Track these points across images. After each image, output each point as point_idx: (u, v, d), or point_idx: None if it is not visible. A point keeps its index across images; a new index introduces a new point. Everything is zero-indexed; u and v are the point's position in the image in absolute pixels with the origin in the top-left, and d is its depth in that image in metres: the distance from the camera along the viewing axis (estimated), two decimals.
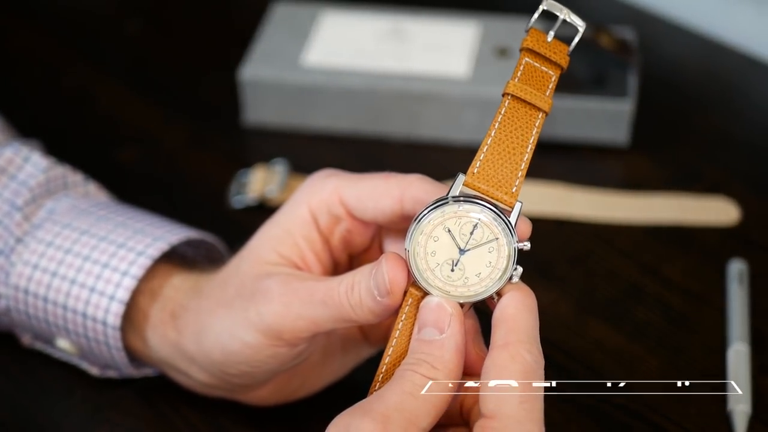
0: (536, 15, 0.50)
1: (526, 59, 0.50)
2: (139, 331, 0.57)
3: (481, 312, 0.51)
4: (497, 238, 0.48)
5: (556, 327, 0.64)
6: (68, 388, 0.60)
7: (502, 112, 0.49)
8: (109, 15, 0.95)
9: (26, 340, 0.62)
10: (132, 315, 0.57)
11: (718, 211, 0.73)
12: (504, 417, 0.44)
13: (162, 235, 0.58)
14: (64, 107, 0.84)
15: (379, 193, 0.52)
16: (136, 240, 0.57)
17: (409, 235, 0.48)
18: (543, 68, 0.50)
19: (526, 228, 0.48)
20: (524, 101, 0.49)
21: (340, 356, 0.58)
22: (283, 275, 0.52)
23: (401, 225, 0.53)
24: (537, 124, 0.49)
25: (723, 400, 0.59)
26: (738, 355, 0.61)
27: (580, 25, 0.50)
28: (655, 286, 0.67)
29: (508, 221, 0.48)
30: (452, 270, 0.48)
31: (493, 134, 0.49)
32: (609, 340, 0.63)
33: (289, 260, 0.53)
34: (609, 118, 0.76)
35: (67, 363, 0.61)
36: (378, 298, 0.48)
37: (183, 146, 0.80)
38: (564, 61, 0.50)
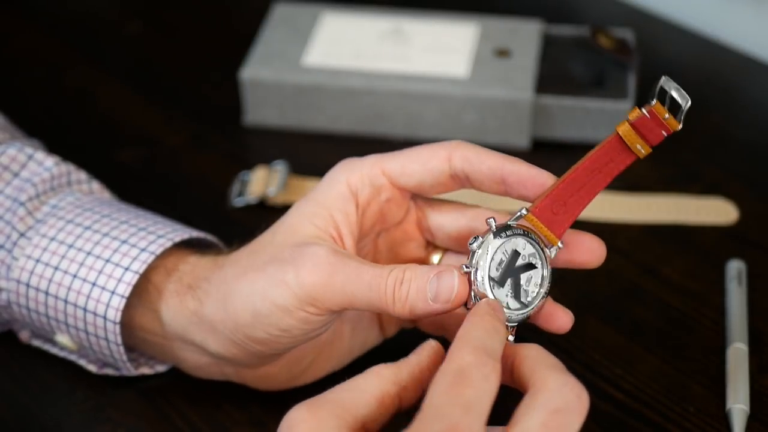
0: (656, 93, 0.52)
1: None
2: (151, 305, 0.57)
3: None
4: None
5: None
6: (69, 387, 0.61)
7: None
8: (111, 15, 0.95)
9: (24, 336, 0.62)
10: (144, 290, 0.57)
11: (716, 211, 0.73)
12: (426, 405, 0.44)
13: (165, 233, 0.58)
14: (65, 107, 0.84)
15: (425, 156, 0.53)
16: (139, 237, 0.58)
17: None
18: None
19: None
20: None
21: (349, 337, 0.58)
22: (330, 247, 0.52)
23: (448, 187, 0.54)
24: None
25: (722, 399, 0.60)
26: (737, 355, 0.61)
27: (684, 99, 0.52)
28: (654, 286, 0.67)
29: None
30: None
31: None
32: (608, 340, 0.64)
33: (326, 231, 0.53)
34: (608, 119, 0.77)
35: (67, 362, 0.61)
36: (430, 302, 0.50)
37: (184, 147, 0.80)
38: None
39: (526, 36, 0.82)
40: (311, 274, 0.51)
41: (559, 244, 0.51)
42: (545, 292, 0.51)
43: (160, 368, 0.61)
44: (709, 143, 0.80)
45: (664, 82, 0.51)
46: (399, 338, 0.60)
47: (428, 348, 0.48)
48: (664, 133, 0.52)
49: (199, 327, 0.55)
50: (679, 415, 0.59)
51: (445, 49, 0.81)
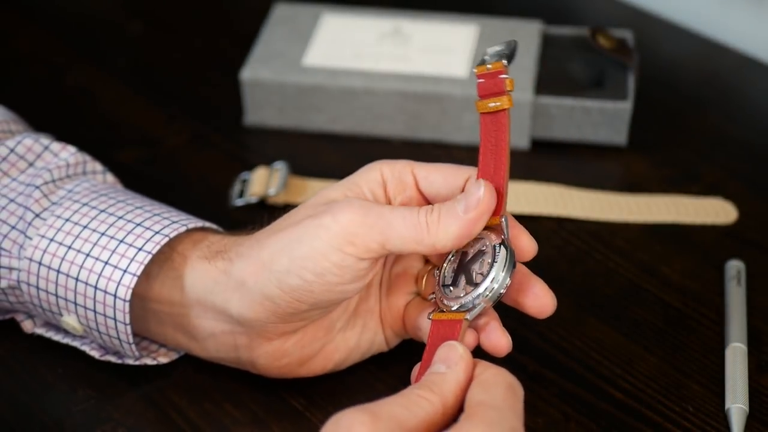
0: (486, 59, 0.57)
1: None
2: (173, 272, 0.58)
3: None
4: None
5: (555, 326, 0.64)
6: (70, 387, 0.61)
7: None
8: (111, 15, 0.95)
9: (27, 326, 0.62)
10: (168, 259, 0.58)
11: (716, 211, 0.73)
12: (485, 407, 0.47)
13: (179, 220, 0.59)
14: (66, 107, 0.84)
15: (449, 171, 0.56)
16: (154, 221, 0.58)
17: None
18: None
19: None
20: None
21: (359, 333, 0.59)
22: (362, 198, 0.55)
23: None
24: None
25: (721, 399, 0.60)
26: (735, 354, 0.62)
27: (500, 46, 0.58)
28: (654, 286, 0.67)
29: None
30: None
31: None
32: (608, 340, 0.64)
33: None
34: (608, 119, 0.77)
35: (69, 360, 0.61)
36: (461, 214, 0.52)
37: (184, 147, 0.80)
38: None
39: (525, 36, 0.82)
40: (347, 213, 0.53)
41: (502, 220, 0.53)
42: (503, 264, 0.52)
43: (163, 359, 0.61)
44: (709, 143, 0.80)
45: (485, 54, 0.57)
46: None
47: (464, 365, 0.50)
48: (502, 76, 0.55)
49: (224, 287, 0.56)
50: (678, 414, 0.59)
51: (444, 49, 0.81)
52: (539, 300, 0.55)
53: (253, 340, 0.57)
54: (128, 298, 0.56)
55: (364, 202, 0.54)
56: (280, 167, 0.75)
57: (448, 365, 0.49)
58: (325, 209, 0.54)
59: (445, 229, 0.53)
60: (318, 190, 0.57)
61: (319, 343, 0.58)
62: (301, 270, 0.53)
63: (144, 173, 0.77)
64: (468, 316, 0.53)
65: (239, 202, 0.74)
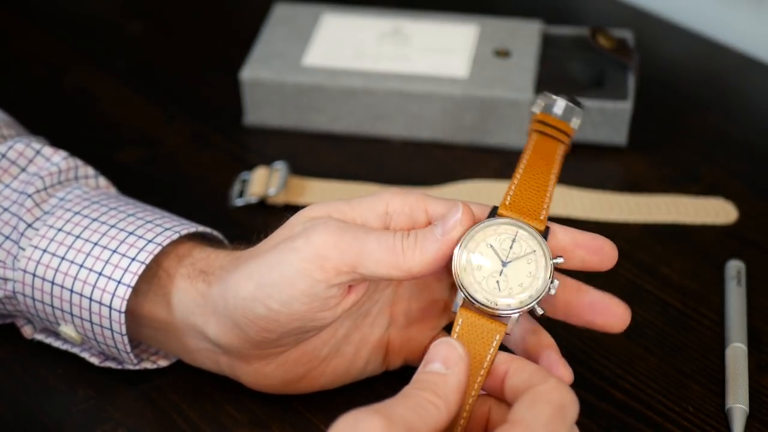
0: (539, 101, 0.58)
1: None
2: (160, 290, 0.57)
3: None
4: (534, 251, 0.52)
5: (555, 327, 0.64)
6: (70, 387, 0.61)
7: (530, 147, 0.55)
8: (111, 16, 0.95)
9: (27, 332, 0.62)
10: (154, 276, 0.57)
11: (716, 211, 0.73)
12: (524, 426, 0.46)
13: (172, 226, 0.59)
14: (65, 107, 0.84)
15: (474, 209, 0.54)
16: (146, 229, 0.58)
17: (455, 254, 0.52)
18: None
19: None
20: (547, 135, 0.56)
21: (350, 360, 0.58)
22: (340, 220, 0.53)
23: None
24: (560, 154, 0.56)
25: (721, 399, 0.60)
26: (736, 354, 0.62)
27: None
28: (654, 286, 0.67)
29: (543, 236, 0.53)
30: (497, 282, 0.52)
31: (522, 167, 0.54)
32: (608, 340, 0.64)
33: None
34: (608, 119, 0.77)
35: (68, 361, 0.61)
36: (438, 236, 0.51)
37: (184, 147, 0.80)
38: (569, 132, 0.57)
39: (526, 36, 0.82)
40: (320, 233, 0.52)
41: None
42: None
43: (163, 363, 0.61)
44: (709, 143, 0.80)
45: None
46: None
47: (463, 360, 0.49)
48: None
49: (203, 309, 0.55)
50: (678, 414, 0.59)
51: (445, 49, 0.81)
52: (614, 318, 0.55)
53: (233, 361, 0.57)
54: (123, 309, 0.56)
55: (340, 224, 0.52)
56: (280, 167, 0.75)
57: (447, 366, 0.48)
58: (300, 231, 0.53)
59: (421, 251, 0.51)
60: (310, 202, 0.56)
61: (302, 368, 0.57)
62: (267, 298, 0.52)
63: (144, 173, 0.77)
64: (454, 309, 0.52)
65: (239, 202, 0.74)
